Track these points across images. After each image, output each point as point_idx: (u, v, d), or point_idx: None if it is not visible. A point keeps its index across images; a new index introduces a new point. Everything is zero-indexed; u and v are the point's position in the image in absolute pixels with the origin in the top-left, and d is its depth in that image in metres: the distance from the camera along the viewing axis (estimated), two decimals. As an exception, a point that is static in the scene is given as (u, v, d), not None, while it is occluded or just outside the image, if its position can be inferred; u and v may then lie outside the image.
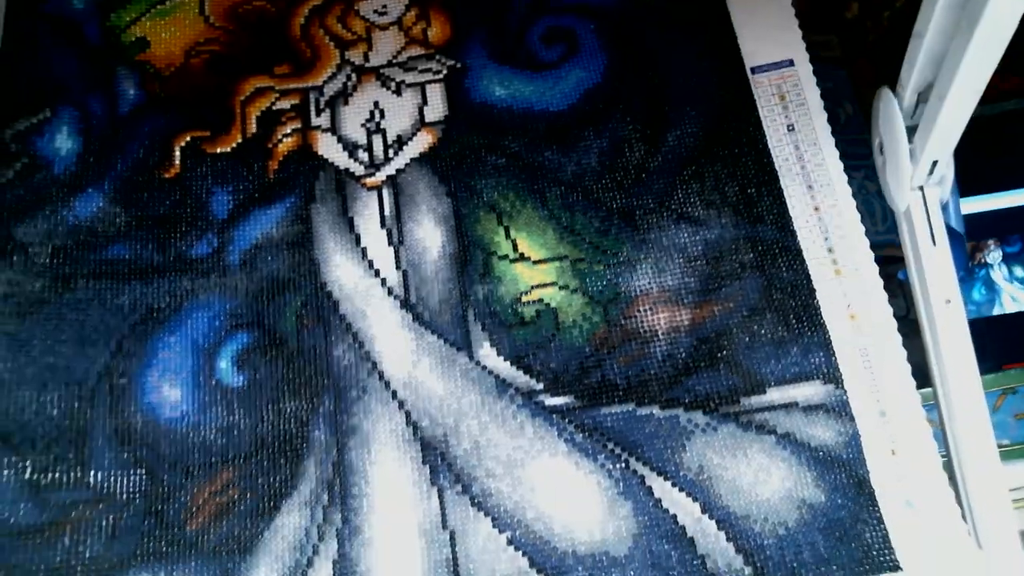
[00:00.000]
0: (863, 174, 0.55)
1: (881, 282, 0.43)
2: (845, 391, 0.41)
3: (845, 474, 0.39)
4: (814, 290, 0.43)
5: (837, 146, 0.46)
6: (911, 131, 0.40)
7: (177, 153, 0.48)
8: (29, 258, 0.45)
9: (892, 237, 0.49)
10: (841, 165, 0.45)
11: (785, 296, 0.43)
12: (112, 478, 0.40)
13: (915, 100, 0.39)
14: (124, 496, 0.40)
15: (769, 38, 0.49)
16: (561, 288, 0.44)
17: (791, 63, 0.48)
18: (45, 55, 0.51)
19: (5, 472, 0.39)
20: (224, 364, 0.42)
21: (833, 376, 0.41)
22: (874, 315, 0.42)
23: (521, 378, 0.41)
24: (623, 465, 0.39)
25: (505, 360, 0.42)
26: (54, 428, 0.40)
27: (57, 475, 0.39)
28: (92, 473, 0.40)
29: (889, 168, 0.42)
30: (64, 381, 0.42)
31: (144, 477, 0.40)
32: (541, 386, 0.41)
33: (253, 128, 0.49)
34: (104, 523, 0.39)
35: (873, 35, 0.79)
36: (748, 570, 0.38)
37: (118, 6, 0.53)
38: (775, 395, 0.41)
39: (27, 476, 0.39)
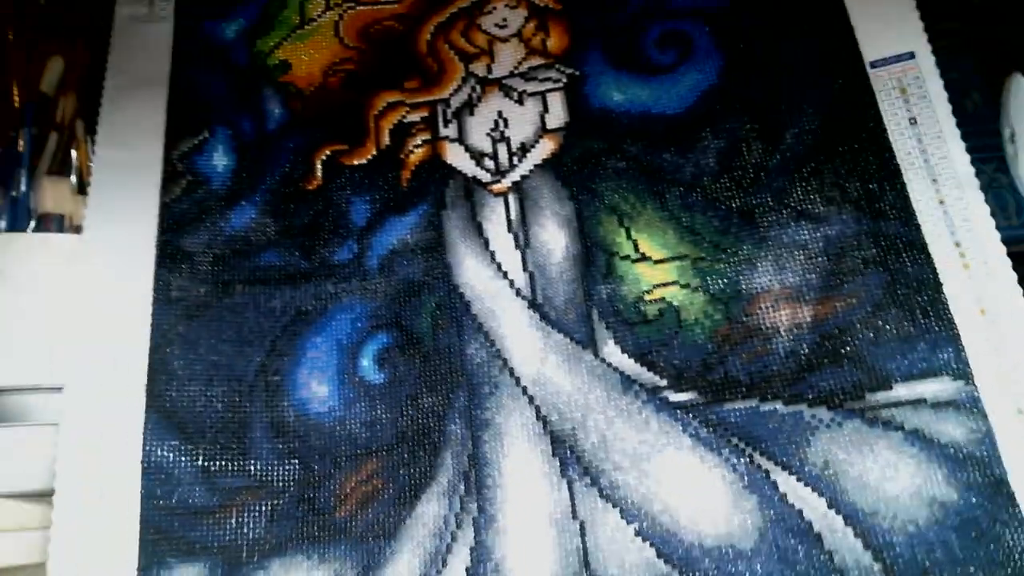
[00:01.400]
0: (994, 166, 0.54)
1: (1014, 276, 0.42)
2: (976, 388, 0.40)
3: (979, 473, 0.39)
4: (941, 284, 0.42)
5: (964, 139, 0.45)
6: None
7: (318, 166, 0.52)
8: (194, 265, 0.49)
9: (1028, 231, 0.47)
10: (968, 157, 0.45)
11: (910, 291, 0.42)
12: (270, 467, 0.44)
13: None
14: (280, 484, 0.44)
15: (888, 30, 0.49)
16: (683, 287, 0.45)
17: (912, 55, 0.48)
18: (203, 80, 0.56)
19: (184, 459, 0.44)
20: (366, 362, 0.46)
21: (963, 372, 0.41)
22: (1006, 310, 0.41)
23: (645, 375, 0.43)
24: (747, 460, 0.40)
25: (629, 357, 0.43)
26: (219, 420, 0.45)
27: (223, 463, 0.44)
28: (252, 462, 0.44)
29: (1022, 158, 0.41)
30: (226, 377, 0.46)
31: (297, 467, 0.44)
32: (665, 382, 0.43)
33: (386, 140, 0.52)
34: (264, 508, 0.43)
35: (1002, 20, 0.76)
36: (877, 567, 0.38)
37: (263, 33, 0.58)
38: (902, 391, 0.41)
39: (200, 463, 0.44)
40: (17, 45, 0.58)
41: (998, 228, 0.43)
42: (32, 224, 0.51)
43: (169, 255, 0.49)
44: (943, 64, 0.47)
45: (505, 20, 0.55)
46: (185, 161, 0.53)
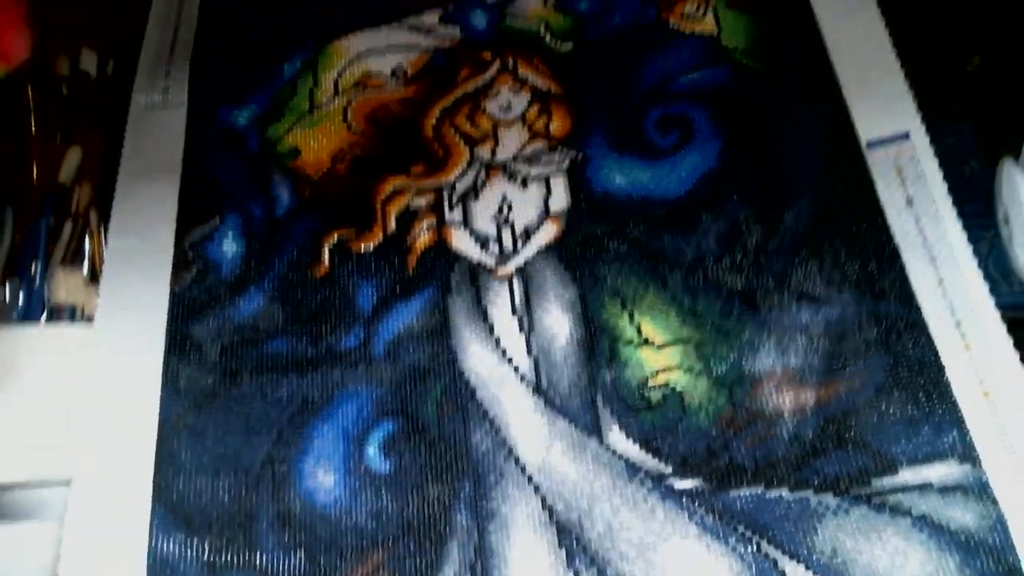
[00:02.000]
0: (993, 232, 0.54)
1: (1016, 356, 0.42)
2: (984, 472, 0.40)
3: (993, 560, 0.38)
4: (943, 367, 0.42)
5: (964, 203, 0.46)
6: (1037, 205, 0.40)
7: (326, 252, 0.53)
8: (203, 355, 0.50)
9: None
10: (964, 236, 0.45)
11: (912, 374, 0.42)
12: (276, 560, 0.44)
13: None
14: None
15: (883, 111, 0.50)
16: (686, 371, 0.45)
17: (907, 135, 0.48)
18: (215, 166, 0.58)
19: (190, 553, 0.44)
20: (372, 451, 0.46)
21: (969, 455, 0.40)
22: (1009, 392, 0.41)
23: (650, 461, 0.43)
24: (755, 548, 0.40)
25: (634, 444, 0.44)
26: (225, 512, 0.45)
27: (229, 556, 0.44)
28: (259, 555, 0.44)
29: (1016, 241, 0.42)
30: (233, 468, 0.46)
31: (303, 559, 0.43)
32: (670, 469, 0.43)
33: (393, 226, 0.53)
34: (270, 601, 0.43)
35: (998, 87, 0.77)
36: (889, 655, 0.37)
37: (274, 119, 0.59)
38: (908, 475, 0.41)
39: (206, 557, 0.44)
40: (39, 136, 0.60)
41: (1001, 294, 0.43)
42: (44, 315, 0.52)
43: (178, 345, 0.50)
44: (940, 130, 0.48)
45: (509, 104, 0.57)
46: (196, 249, 0.54)
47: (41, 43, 0.61)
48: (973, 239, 0.45)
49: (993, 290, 0.44)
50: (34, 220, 0.55)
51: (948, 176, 0.47)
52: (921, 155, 0.48)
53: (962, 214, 0.46)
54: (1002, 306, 0.43)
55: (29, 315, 0.52)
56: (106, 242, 0.53)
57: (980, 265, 0.44)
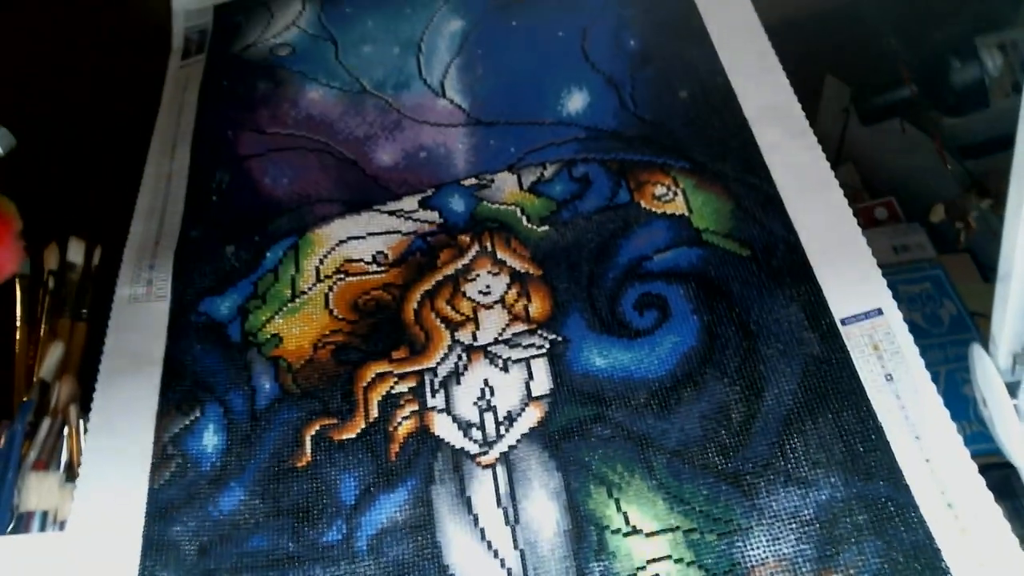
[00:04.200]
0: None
1: (1015, 541, 0.41)
2: (990, 661, 0.39)
3: None
4: (939, 550, 0.41)
5: (943, 349, 0.46)
6: (1013, 386, 0.41)
7: (308, 442, 0.53)
8: (180, 556, 0.49)
9: None
10: (947, 413, 0.45)
11: (908, 559, 0.42)
12: None
13: (1012, 361, 0.40)
14: None
15: (854, 288, 0.51)
16: (676, 561, 0.44)
17: (879, 311, 0.49)
18: (197, 358, 0.58)
19: None
20: (355, 659, 0.44)
21: (974, 645, 0.39)
22: (1009, 576, 0.40)
23: (644, 663, 0.41)
24: None
25: (627, 643, 0.42)
26: None
27: None
28: None
29: (998, 424, 0.42)
30: None
31: None
32: (665, 672, 0.41)
33: (375, 413, 0.53)
34: None
35: (964, 234, 0.80)
36: None
37: (255, 308, 0.60)
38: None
39: None
40: (24, 332, 0.61)
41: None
42: (12, 524, 0.51)
43: (155, 547, 0.49)
44: (914, 272, 0.49)
45: (488, 287, 0.58)
46: (175, 443, 0.54)
47: (31, 238, 0.62)
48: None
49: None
50: (10, 424, 0.54)
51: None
52: (896, 330, 0.48)
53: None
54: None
55: (-4, 527, 0.51)
56: (85, 440, 0.52)
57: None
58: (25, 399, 0.55)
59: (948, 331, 0.68)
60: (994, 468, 0.46)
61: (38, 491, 0.51)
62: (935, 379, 0.62)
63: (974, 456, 0.44)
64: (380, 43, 0.76)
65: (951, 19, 0.84)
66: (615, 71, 0.67)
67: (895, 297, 0.50)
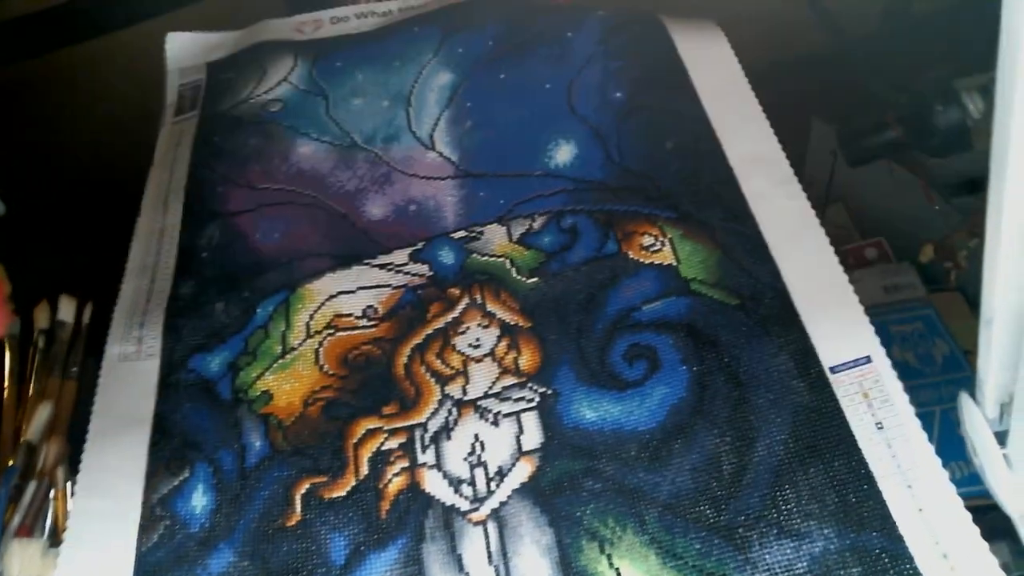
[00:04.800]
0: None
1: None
2: None
3: None
4: (936, 604, 0.41)
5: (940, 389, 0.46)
6: (1002, 435, 0.40)
7: (298, 500, 0.52)
8: (167, 627, 0.48)
9: None
10: (939, 462, 0.45)
11: (905, 613, 0.41)
12: None
13: (999, 411, 0.39)
14: None
15: (842, 336, 0.51)
16: (670, 618, 0.43)
17: (868, 359, 0.49)
18: (187, 417, 0.57)
19: None
20: None
21: None
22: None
23: None
24: None
25: None
26: None
27: None
28: None
29: (988, 473, 0.42)
30: None
31: None
32: None
33: (365, 470, 0.53)
34: None
35: (954, 273, 0.80)
36: None
37: (245, 364, 0.60)
38: None
39: None
40: (11, 394, 0.60)
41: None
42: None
43: (141, 617, 0.48)
44: (905, 312, 0.49)
45: (479, 340, 0.58)
46: (164, 504, 0.53)
47: (22, 298, 0.62)
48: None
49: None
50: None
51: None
52: (885, 378, 0.48)
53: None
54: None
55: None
56: (71, 503, 0.52)
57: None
58: (11, 463, 0.54)
59: (942, 370, 0.68)
60: (994, 509, 0.45)
61: (21, 558, 0.50)
62: (930, 419, 0.63)
63: (974, 497, 0.43)
64: (370, 96, 0.77)
65: (935, 63, 0.85)
66: (601, 123, 0.68)
67: (887, 338, 0.50)
